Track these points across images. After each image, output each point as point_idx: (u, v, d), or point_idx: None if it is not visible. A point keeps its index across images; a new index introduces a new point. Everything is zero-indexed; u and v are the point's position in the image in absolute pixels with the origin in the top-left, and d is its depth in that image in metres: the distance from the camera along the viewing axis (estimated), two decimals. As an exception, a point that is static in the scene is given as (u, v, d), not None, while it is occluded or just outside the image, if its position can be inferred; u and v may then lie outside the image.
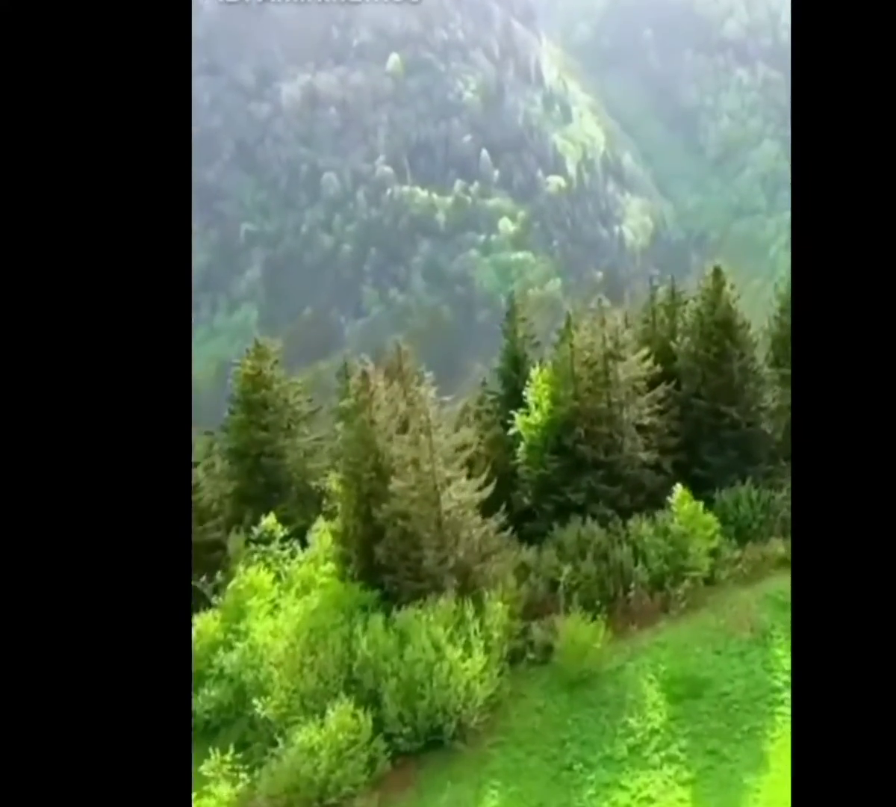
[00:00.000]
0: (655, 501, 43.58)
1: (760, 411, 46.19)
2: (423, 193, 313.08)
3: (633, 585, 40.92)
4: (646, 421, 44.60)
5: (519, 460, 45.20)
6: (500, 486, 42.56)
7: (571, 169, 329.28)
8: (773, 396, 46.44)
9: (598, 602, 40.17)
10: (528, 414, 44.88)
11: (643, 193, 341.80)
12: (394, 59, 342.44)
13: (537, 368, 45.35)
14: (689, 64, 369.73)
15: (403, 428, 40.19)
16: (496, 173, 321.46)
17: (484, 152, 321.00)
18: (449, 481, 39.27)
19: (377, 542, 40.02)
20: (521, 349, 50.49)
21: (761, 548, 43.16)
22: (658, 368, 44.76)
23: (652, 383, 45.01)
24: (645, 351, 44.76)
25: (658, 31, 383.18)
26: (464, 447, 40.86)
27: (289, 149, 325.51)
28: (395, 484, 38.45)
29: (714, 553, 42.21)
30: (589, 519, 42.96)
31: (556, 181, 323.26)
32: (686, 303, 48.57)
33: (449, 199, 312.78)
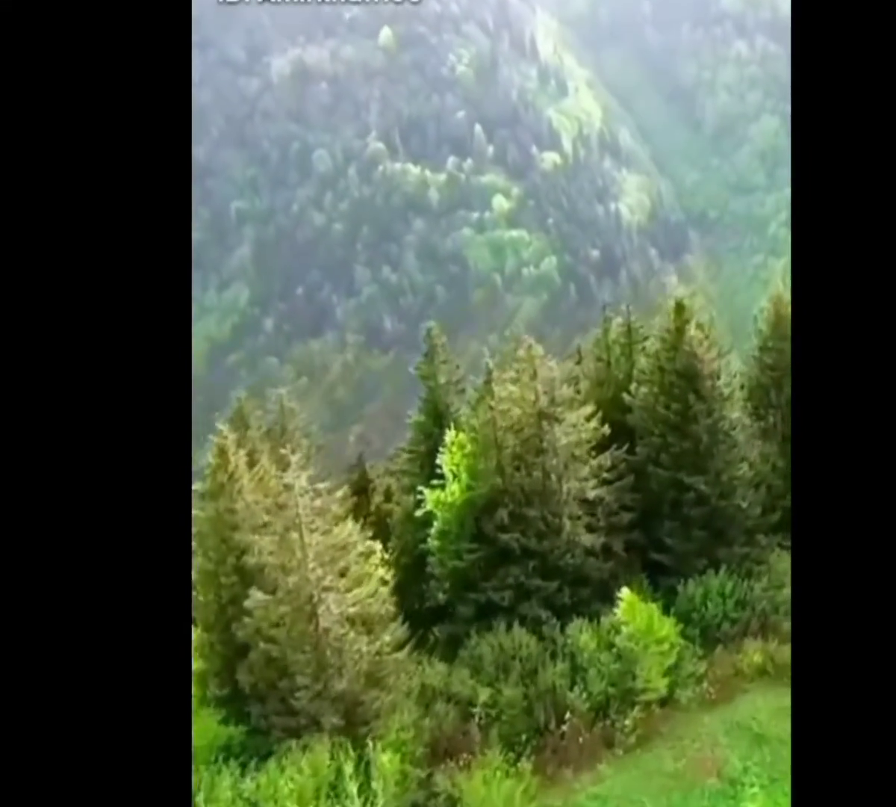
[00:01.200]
0: (603, 595, 34.91)
1: (734, 481, 36.99)
2: (415, 170, 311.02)
3: (568, 715, 32.02)
4: (590, 495, 35.77)
5: (430, 547, 36.19)
6: (411, 577, 34.07)
7: (567, 145, 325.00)
8: (751, 462, 37.48)
9: (523, 737, 31.37)
10: (442, 488, 35.85)
11: (640, 170, 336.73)
12: (386, 32, 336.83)
13: (452, 431, 36.31)
14: (687, 37, 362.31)
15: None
16: (490, 149, 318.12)
17: (477, 128, 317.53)
18: (328, 590, 30.39)
19: (242, 661, 31.45)
20: (443, 399, 41.04)
21: (732, 656, 34.58)
22: (606, 429, 35.98)
23: (601, 446, 36.29)
24: (589, 408, 35.96)
25: (655, 4, 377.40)
26: (348, 545, 31.70)
27: (279, 125, 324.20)
28: (255, 597, 29.78)
29: (673, 667, 33.48)
30: (516, 624, 34.14)
31: (551, 158, 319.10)
32: (646, 340, 39.76)
33: (442, 176, 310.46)
